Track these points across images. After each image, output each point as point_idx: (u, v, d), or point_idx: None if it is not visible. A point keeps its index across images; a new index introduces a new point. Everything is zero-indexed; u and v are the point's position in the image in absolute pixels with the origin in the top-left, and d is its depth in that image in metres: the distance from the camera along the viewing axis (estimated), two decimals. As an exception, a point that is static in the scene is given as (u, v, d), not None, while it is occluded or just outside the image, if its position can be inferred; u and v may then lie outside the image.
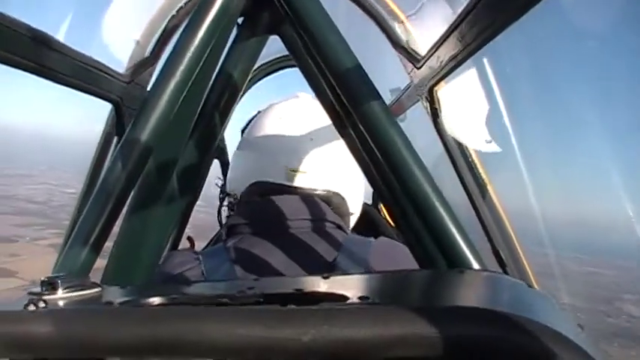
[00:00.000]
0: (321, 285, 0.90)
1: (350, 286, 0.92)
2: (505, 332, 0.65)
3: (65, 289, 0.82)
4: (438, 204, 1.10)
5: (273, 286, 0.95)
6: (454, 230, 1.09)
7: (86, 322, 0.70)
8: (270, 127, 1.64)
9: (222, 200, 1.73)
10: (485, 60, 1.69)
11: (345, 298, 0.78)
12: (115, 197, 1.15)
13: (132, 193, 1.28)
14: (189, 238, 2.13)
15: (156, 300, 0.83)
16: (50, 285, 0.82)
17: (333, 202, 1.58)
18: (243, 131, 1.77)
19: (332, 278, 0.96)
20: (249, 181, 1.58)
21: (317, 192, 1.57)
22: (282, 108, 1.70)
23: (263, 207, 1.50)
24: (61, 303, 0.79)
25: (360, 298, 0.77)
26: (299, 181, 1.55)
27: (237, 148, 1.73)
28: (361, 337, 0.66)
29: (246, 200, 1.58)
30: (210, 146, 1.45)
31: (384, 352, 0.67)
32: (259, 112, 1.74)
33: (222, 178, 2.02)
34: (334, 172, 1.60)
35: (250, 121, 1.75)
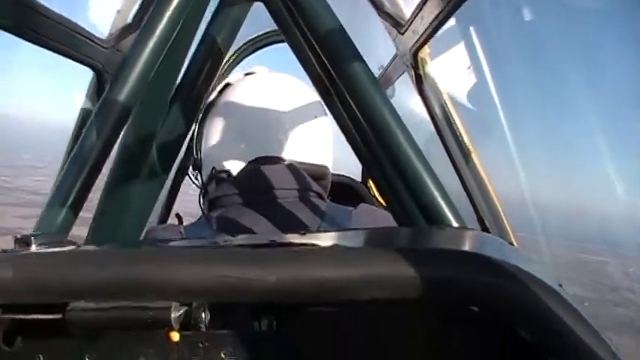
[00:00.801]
0: (296, 238, 0.89)
1: (326, 239, 0.91)
2: (479, 273, 0.64)
3: (39, 245, 0.81)
4: (419, 165, 1.09)
5: (249, 239, 0.94)
6: (435, 191, 1.08)
7: (50, 265, 0.69)
8: (257, 102, 1.57)
9: (211, 179, 1.63)
10: (471, 28, 1.68)
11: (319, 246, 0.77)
12: (92, 161, 1.14)
13: (113, 162, 1.28)
14: (178, 215, 2.11)
15: None
16: (23, 242, 0.80)
17: (319, 173, 1.57)
18: (211, 103, 1.67)
19: (309, 235, 0.96)
20: (246, 159, 1.54)
21: (310, 165, 1.55)
22: (264, 82, 1.66)
23: (250, 177, 1.49)
24: None
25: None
26: (298, 156, 1.54)
27: (217, 118, 1.62)
28: (329, 277, 0.65)
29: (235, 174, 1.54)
30: (193, 115, 1.44)
31: (353, 293, 0.66)
32: (228, 84, 1.67)
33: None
34: (324, 146, 1.59)
35: (221, 92, 1.66)
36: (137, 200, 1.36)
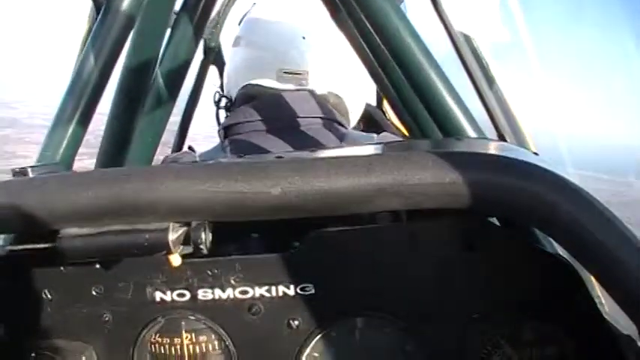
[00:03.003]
0: (306, 154, 0.85)
1: (338, 153, 0.86)
2: (503, 176, 0.59)
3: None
4: (437, 78, 1.03)
5: (254, 158, 0.89)
6: (454, 104, 1.02)
7: (35, 191, 0.65)
8: (262, 23, 1.58)
9: (218, 102, 1.66)
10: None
11: None
12: (90, 87, 1.10)
13: (115, 90, 1.23)
14: (190, 148, 2.07)
15: None
16: (21, 174, 0.77)
17: (330, 102, 1.53)
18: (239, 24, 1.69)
19: (320, 150, 0.91)
20: (241, 83, 1.52)
21: (329, 94, 1.51)
22: (275, 2, 1.62)
23: (272, 103, 1.45)
24: None
25: None
26: (292, 84, 1.49)
27: (232, 45, 1.66)
28: (337, 188, 0.60)
29: (245, 99, 1.52)
30: (198, 36, 1.38)
31: (365, 204, 0.61)
32: (254, 4, 1.66)
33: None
34: (330, 71, 1.54)
35: (245, 15, 1.67)
36: (144, 128, 1.32)
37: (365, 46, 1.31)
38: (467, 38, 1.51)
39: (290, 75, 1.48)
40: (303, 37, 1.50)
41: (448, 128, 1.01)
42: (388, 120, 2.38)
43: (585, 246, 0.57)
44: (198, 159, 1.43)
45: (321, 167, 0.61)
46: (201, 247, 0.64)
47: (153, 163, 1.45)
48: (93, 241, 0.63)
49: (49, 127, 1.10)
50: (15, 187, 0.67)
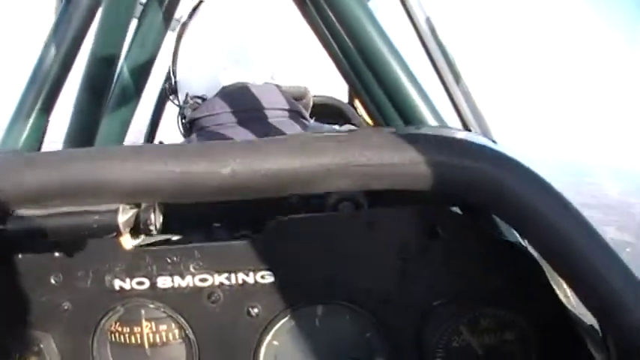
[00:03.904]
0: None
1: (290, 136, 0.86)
2: (455, 156, 0.59)
3: None
4: (401, 72, 1.03)
5: None
6: (416, 95, 1.03)
7: None
8: (232, 19, 1.50)
9: (185, 103, 1.60)
10: None
11: None
12: (52, 78, 1.09)
13: (79, 83, 1.21)
14: (161, 143, 2.04)
15: None
16: None
17: (299, 94, 1.52)
18: (185, 23, 1.57)
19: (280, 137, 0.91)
20: (222, 82, 1.48)
21: (289, 87, 1.49)
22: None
23: (237, 96, 1.42)
24: None
25: None
26: (278, 80, 1.47)
27: (191, 37, 1.55)
28: (286, 168, 0.59)
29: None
30: (164, 30, 1.36)
31: (314, 184, 0.61)
32: (200, 1, 1.56)
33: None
34: (296, 66, 1.53)
35: (197, 6, 1.60)
36: (109, 122, 1.30)
37: (332, 41, 1.31)
38: (435, 36, 1.52)
39: (276, 75, 1.47)
40: (269, 33, 1.49)
41: (411, 118, 1.01)
42: (360, 116, 2.39)
43: (533, 225, 0.57)
44: None
45: (271, 148, 0.60)
46: (151, 227, 0.64)
47: None
48: (42, 223, 0.62)
49: (10, 117, 1.08)
50: None
